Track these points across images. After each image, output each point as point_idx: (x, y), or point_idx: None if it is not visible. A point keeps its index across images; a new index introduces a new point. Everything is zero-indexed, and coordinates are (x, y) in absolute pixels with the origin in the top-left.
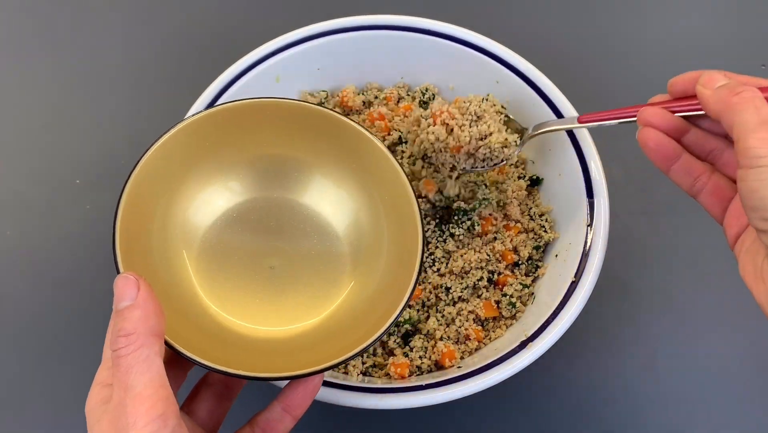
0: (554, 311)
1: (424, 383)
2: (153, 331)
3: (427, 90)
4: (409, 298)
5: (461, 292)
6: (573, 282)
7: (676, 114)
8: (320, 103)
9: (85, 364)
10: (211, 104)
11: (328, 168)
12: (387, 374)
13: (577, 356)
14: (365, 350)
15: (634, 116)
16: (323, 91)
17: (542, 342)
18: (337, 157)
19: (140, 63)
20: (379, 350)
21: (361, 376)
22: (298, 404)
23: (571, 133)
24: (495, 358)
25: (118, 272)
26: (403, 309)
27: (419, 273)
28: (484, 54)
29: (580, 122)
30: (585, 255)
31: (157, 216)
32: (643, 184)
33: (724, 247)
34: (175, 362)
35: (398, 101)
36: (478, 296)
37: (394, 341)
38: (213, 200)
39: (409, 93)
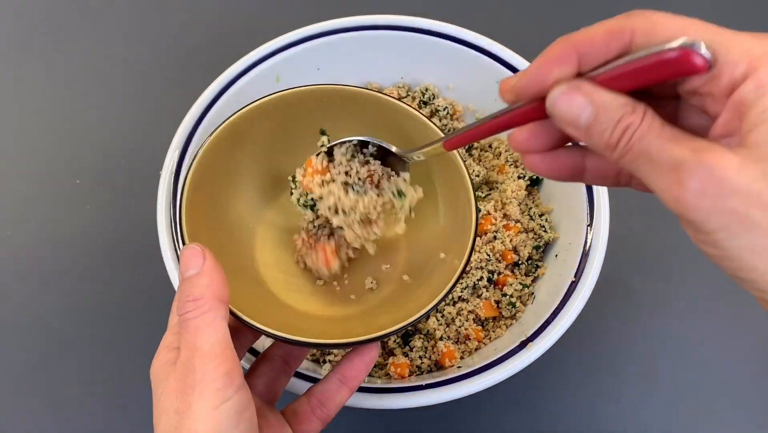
0: (554, 311)
1: (424, 383)
2: (219, 297)
3: (427, 90)
4: (464, 267)
5: (461, 292)
6: (573, 282)
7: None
8: None
9: (85, 363)
10: (211, 104)
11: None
12: (387, 374)
13: (577, 356)
14: (426, 315)
15: (505, 128)
16: None
17: (542, 342)
18: (395, 137)
19: (140, 63)
20: (379, 350)
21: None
22: (354, 375)
23: None
24: (495, 358)
25: (184, 244)
26: (459, 278)
27: (473, 245)
28: (484, 54)
29: (447, 148)
30: (585, 255)
31: (226, 192)
32: None
33: None
34: (233, 338)
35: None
36: (478, 296)
37: (394, 341)
38: (282, 181)
39: (409, 93)
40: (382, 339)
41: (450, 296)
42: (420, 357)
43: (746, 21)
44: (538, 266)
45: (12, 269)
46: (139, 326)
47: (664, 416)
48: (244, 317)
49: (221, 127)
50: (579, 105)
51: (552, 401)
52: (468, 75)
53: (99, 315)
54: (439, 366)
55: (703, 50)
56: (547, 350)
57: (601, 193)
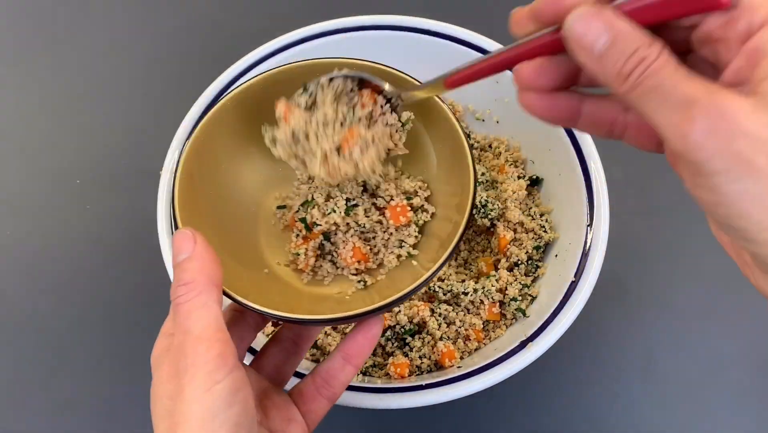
0: (554, 311)
1: (424, 383)
2: (211, 280)
3: None
4: (460, 238)
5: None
6: (573, 282)
7: (559, 54)
8: None
9: (85, 363)
10: (211, 104)
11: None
12: (387, 374)
13: (577, 356)
14: (426, 282)
15: (511, 65)
16: None
17: (542, 342)
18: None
19: (140, 63)
20: (379, 350)
21: (361, 376)
22: (358, 352)
23: (571, 133)
24: (495, 358)
25: (177, 228)
26: (462, 235)
27: (473, 200)
28: (484, 54)
29: (448, 85)
30: (585, 255)
31: (222, 175)
32: (643, 184)
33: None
34: (242, 321)
35: None
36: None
37: (393, 344)
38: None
39: None
40: (385, 310)
41: (451, 297)
42: (420, 357)
43: None
44: (538, 266)
45: (12, 268)
46: (139, 325)
47: (664, 415)
48: (238, 297)
49: (216, 107)
50: (597, 30)
51: (552, 401)
52: None
53: (99, 315)
54: (439, 366)
55: None
56: (547, 350)
57: (601, 193)
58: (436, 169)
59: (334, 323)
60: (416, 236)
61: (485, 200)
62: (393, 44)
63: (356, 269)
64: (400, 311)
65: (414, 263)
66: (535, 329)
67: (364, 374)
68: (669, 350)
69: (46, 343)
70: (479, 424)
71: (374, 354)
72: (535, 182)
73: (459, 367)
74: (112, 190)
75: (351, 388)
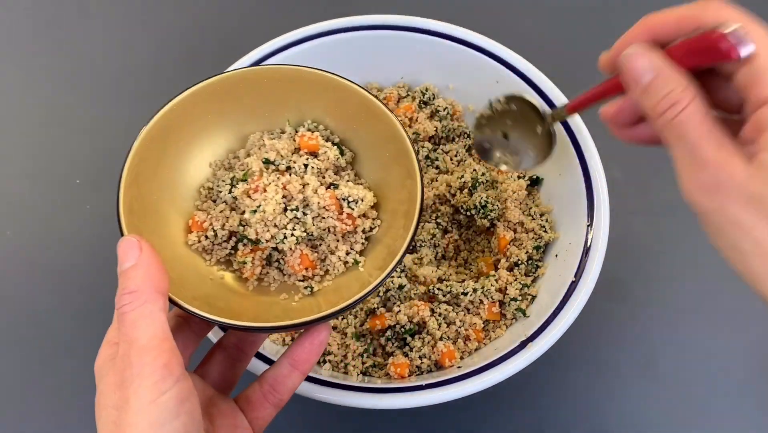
0: (554, 311)
1: (424, 383)
2: (156, 288)
3: (427, 90)
4: (413, 235)
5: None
6: (573, 282)
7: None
8: None
9: (85, 362)
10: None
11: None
12: (387, 374)
13: (577, 356)
14: (373, 291)
15: (605, 95)
16: None
17: (542, 342)
18: (343, 119)
19: (140, 63)
20: (379, 350)
21: (361, 376)
22: (305, 358)
23: (571, 133)
24: (495, 358)
25: (122, 235)
26: (407, 249)
27: (417, 227)
28: (484, 54)
29: (569, 111)
30: (585, 255)
31: (166, 178)
32: (643, 184)
33: None
34: (186, 328)
35: (398, 101)
36: (480, 302)
37: (393, 344)
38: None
39: (409, 93)
40: (332, 317)
41: (451, 298)
42: (420, 357)
43: None
44: (538, 266)
45: (12, 269)
46: None
47: (664, 415)
48: (184, 304)
49: (162, 111)
50: (643, 66)
51: (552, 401)
52: (468, 75)
53: (99, 315)
54: (439, 366)
55: (736, 38)
56: (547, 350)
57: (601, 193)
58: (384, 175)
59: (280, 330)
60: (363, 243)
61: (485, 200)
62: (393, 44)
63: (303, 276)
64: (399, 311)
65: (361, 269)
66: (535, 329)
67: (364, 374)
68: (669, 349)
69: (46, 343)
70: (479, 424)
71: (374, 354)
72: (535, 182)
73: (459, 367)
74: (112, 191)
75: (351, 388)
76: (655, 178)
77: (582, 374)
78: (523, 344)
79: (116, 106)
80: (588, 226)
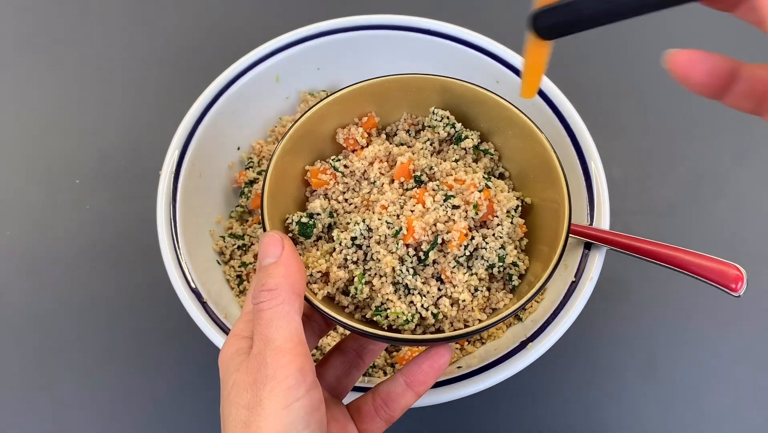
0: (554, 311)
1: None
2: (294, 289)
3: None
4: (561, 253)
5: None
6: (573, 282)
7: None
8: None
9: (85, 362)
10: (211, 104)
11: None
12: (386, 374)
13: (577, 356)
14: (500, 321)
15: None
16: (323, 91)
17: (542, 342)
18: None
19: (140, 63)
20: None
21: (361, 376)
22: (422, 380)
23: (571, 133)
24: (495, 358)
25: (265, 230)
26: (555, 268)
27: (562, 253)
28: (484, 54)
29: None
30: (585, 255)
31: (297, 178)
32: (643, 184)
33: (724, 246)
34: (307, 327)
35: None
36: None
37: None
38: None
39: None
40: (459, 339)
41: None
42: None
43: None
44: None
45: (12, 268)
46: (139, 325)
47: (664, 415)
48: (321, 306)
49: (307, 114)
50: None
51: (552, 401)
52: (468, 75)
53: (99, 315)
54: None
55: None
56: (548, 350)
57: (602, 192)
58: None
59: (409, 344)
60: None
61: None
62: (393, 44)
63: None
64: None
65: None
66: (536, 329)
67: (365, 374)
68: (669, 350)
69: (46, 343)
70: (479, 424)
71: None
72: None
73: (459, 367)
74: (112, 191)
75: (352, 388)
76: (655, 178)
77: (582, 374)
78: (523, 345)
79: (116, 106)
80: (588, 226)
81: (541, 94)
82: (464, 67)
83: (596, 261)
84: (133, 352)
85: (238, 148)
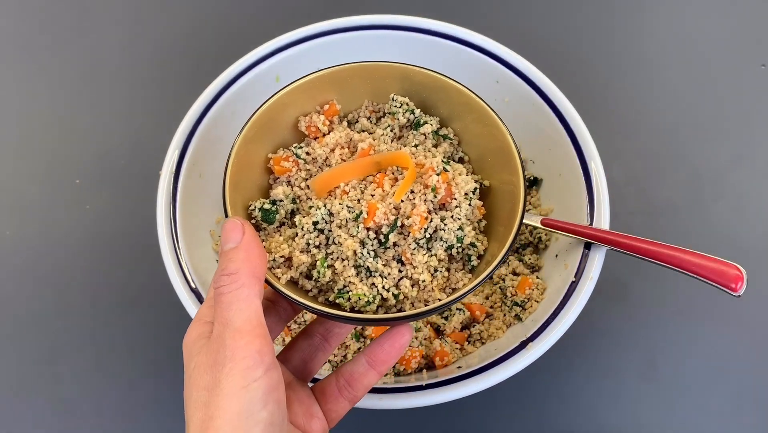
0: (554, 311)
1: (424, 383)
2: (254, 273)
3: None
4: (511, 245)
5: None
6: (573, 282)
7: None
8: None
9: (85, 362)
10: (211, 104)
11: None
12: (386, 373)
13: (577, 356)
14: (457, 300)
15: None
16: None
17: (542, 342)
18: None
19: (140, 63)
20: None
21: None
22: (383, 359)
23: (571, 133)
24: (495, 358)
25: (227, 216)
26: (512, 244)
27: (517, 233)
28: (484, 54)
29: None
30: (585, 255)
31: (260, 162)
32: (643, 184)
33: (724, 246)
34: (273, 311)
35: None
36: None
37: None
38: None
39: None
40: (422, 317)
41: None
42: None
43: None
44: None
45: (12, 268)
46: (139, 325)
47: (664, 416)
48: (284, 290)
49: (268, 102)
50: None
51: (552, 401)
52: (468, 75)
53: (98, 315)
54: (429, 366)
55: None
56: (548, 350)
57: (602, 193)
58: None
59: (370, 323)
60: None
61: None
62: (393, 44)
63: None
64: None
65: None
66: (536, 329)
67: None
68: (669, 350)
69: (45, 342)
70: (479, 424)
71: None
72: (534, 182)
73: (459, 367)
74: (112, 190)
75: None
76: (655, 178)
77: (582, 374)
78: (523, 344)
79: (116, 106)
80: (588, 226)
81: (541, 93)
82: (464, 67)
83: (596, 261)
84: (133, 352)
85: None
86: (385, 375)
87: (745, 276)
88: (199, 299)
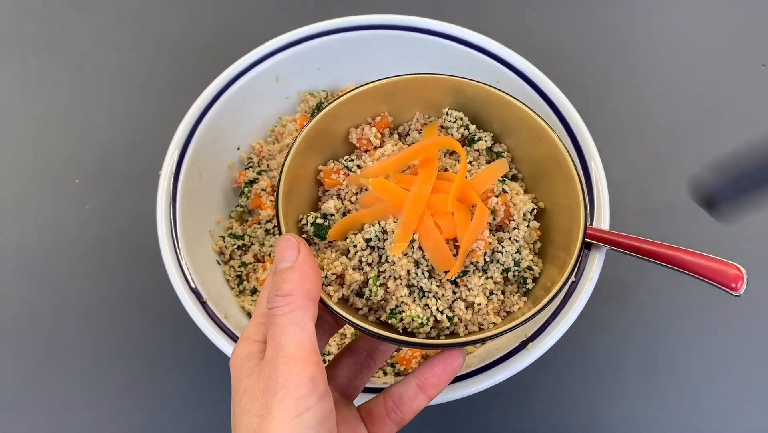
0: (554, 311)
1: None
2: (309, 295)
3: None
4: (576, 260)
5: None
6: (573, 282)
7: None
8: (320, 104)
9: (84, 362)
10: (210, 104)
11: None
12: (385, 373)
13: (578, 357)
14: (514, 328)
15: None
16: (323, 90)
17: (542, 342)
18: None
19: (140, 63)
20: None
21: (371, 377)
22: (435, 383)
23: (571, 133)
24: (495, 358)
25: (281, 233)
26: (571, 274)
27: (584, 231)
28: (484, 54)
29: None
30: (585, 255)
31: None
32: (643, 184)
33: (724, 246)
34: (318, 327)
35: None
36: None
37: None
38: None
39: None
40: (473, 344)
41: None
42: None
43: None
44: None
45: (12, 268)
46: (139, 326)
47: (664, 415)
48: (337, 309)
49: (317, 116)
50: None
51: (552, 402)
52: (468, 75)
53: (98, 315)
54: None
55: None
56: (548, 350)
57: (602, 193)
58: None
59: (425, 348)
60: None
61: None
62: (393, 44)
63: None
64: None
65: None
66: (536, 329)
67: None
68: (669, 350)
69: (45, 342)
70: (479, 424)
71: None
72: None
73: None
74: (112, 190)
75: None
76: (655, 178)
77: (582, 374)
78: (523, 344)
79: (116, 106)
80: (588, 225)
81: (541, 93)
82: (464, 67)
83: (596, 261)
84: (133, 352)
85: (238, 148)
86: (385, 375)
87: (745, 276)
88: (199, 298)
